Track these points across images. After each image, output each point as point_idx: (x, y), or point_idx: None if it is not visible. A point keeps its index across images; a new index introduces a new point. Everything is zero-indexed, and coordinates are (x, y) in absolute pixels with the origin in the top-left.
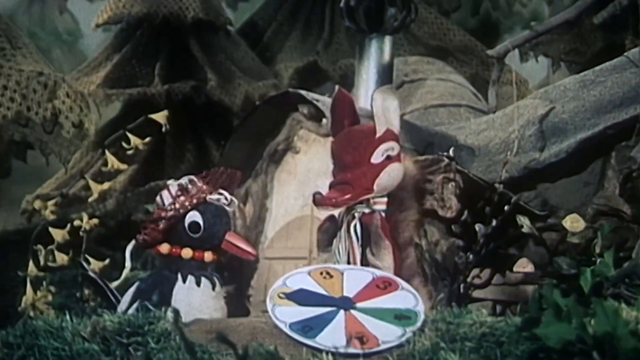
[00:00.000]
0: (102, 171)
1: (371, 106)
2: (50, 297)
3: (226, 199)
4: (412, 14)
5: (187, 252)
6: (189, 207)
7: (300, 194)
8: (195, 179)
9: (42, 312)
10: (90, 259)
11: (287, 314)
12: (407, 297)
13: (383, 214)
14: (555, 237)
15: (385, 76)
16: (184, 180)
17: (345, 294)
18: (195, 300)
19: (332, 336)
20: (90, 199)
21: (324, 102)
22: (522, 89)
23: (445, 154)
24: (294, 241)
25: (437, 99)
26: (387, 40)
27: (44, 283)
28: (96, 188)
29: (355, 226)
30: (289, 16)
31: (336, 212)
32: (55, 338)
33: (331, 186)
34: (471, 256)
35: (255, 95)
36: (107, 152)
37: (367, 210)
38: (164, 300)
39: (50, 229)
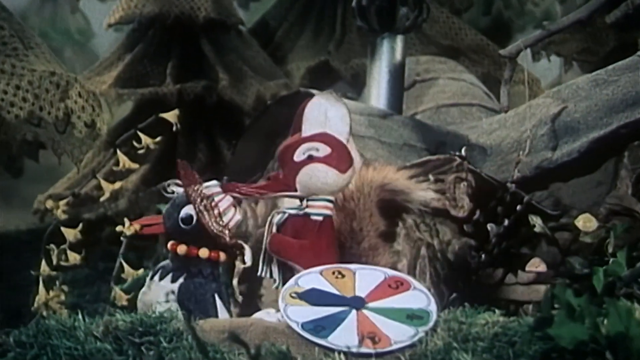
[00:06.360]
0: (114, 171)
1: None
2: (62, 297)
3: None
4: (423, 14)
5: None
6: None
7: None
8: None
9: (54, 312)
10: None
11: (299, 314)
12: (419, 296)
13: (320, 218)
14: (568, 237)
15: (397, 75)
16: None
17: (357, 293)
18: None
19: (344, 336)
20: (102, 199)
21: None
22: (534, 88)
23: (457, 153)
24: None
25: (449, 98)
26: (399, 40)
27: (57, 282)
28: (108, 187)
29: (276, 220)
30: (301, 16)
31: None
32: (68, 337)
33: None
34: (483, 256)
35: (266, 94)
36: (118, 151)
37: (295, 212)
38: None
39: (62, 229)
